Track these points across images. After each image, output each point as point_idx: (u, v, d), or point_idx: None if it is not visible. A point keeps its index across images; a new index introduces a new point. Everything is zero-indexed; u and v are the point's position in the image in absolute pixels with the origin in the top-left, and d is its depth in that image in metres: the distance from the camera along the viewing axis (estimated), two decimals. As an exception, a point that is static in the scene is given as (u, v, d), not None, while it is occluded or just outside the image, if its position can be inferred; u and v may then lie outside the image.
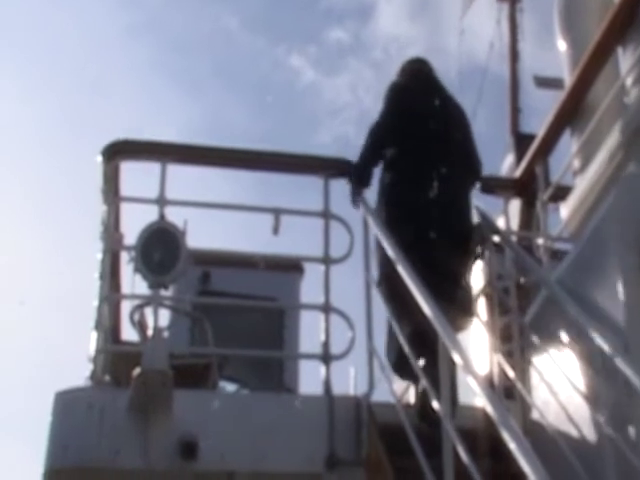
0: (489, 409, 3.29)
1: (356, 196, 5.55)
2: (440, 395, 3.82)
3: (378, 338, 5.25)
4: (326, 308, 5.06)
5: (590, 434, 4.41)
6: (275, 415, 4.74)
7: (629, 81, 5.53)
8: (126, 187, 5.40)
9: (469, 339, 6.55)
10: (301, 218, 5.48)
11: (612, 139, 5.39)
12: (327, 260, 5.17)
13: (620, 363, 4.11)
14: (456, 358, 3.67)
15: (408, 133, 5.71)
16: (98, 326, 4.93)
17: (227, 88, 33.22)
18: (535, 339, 5.26)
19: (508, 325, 5.60)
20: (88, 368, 4.91)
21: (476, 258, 5.72)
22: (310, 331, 5.89)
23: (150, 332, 4.70)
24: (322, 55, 32.11)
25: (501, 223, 6.24)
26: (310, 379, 6.15)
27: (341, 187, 5.61)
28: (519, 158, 9.56)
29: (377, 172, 5.75)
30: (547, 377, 5.07)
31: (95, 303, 5.03)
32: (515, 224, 7.38)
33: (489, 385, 4.32)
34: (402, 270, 4.56)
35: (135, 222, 5.04)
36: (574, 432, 4.66)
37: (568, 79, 6.28)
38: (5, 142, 25.81)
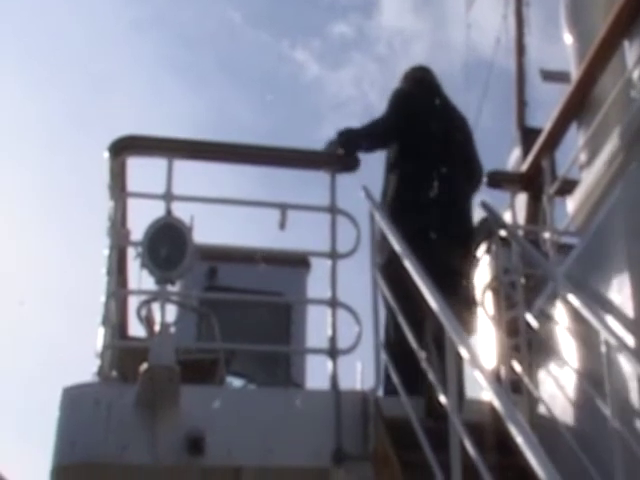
0: (496, 403, 3.29)
1: (331, 146, 5.65)
2: (447, 390, 3.82)
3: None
4: (333, 303, 5.06)
5: (597, 428, 4.40)
6: (282, 410, 4.75)
7: (636, 74, 5.52)
8: (133, 183, 5.42)
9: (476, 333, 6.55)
10: (308, 213, 5.48)
11: (619, 133, 5.38)
12: (334, 255, 5.17)
13: (628, 356, 4.11)
14: (463, 352, 3.67)
15: (410, 133, 5.76)
16: (105, 322, 4.93)
17: (232, 83, 33.23)
18: (542, 333, 5.26)
19: (515, 319, 5.60)
20: (95, 364, 4.92)
21: (476, 258, 5.77)
22: (317, 326, 5.89)
23: (157, 328, 4.71)
24: (326, 49, 32.09)
25: (508, 217, 6.24)
26: (317, 374, 6.17)
27: (348, 182, 5.62)
28: (525, 152, 9.55)
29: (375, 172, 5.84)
30: (554, 371, 5.07)
31: (102, 299, 5.03)
32: (522, 218, 7.37)
33: (496, 379, 4.33)
34: (408, 265, 4.56)
35: (142, 218, 5.05)
36: (581, 426, 4.66)
37: (574, 73, 6.26)
38: (10, 138, 25.83)
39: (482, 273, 6.92)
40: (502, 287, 5.72)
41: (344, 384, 4.97)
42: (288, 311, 8.07)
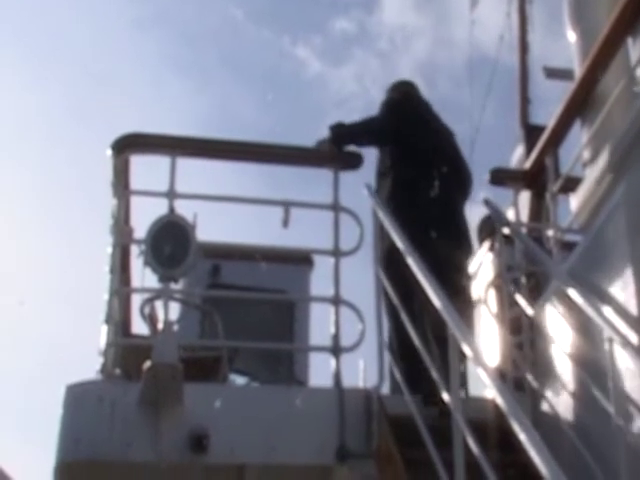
0: (499, 401, 3.29)
1: (323, 143, 5.77)
2: (450, 387, 3.83)
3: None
4: (336, 300, 5.06)
5: (601, 425, 4.40)
6: (285, 408, 4.75)
7: (639, 71, 5.51)
8: (136, 180, 5.41)
9: (479, 330, 6.55)
10: (311, 211, 5.48)
11: (622, 130, 5.37)
12: (337, 252, 5.17)
13: (632, 353, 4.11)
14: (466, 350, 3.67)
15: (406, 137, 5.82)
16: (108, 319, 4.94)
17: (234, 80, 33.20)
18: (545, 330, 5.25)
19: (518, 317, 5.60)
20: (98, 362, 4.92)
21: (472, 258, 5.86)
22: (320, 324, 5.88)
23: (160, 325, 4.71)
24: (327, 46, 32.02)
25: (511, 215, 6.24)
26: (320, 372, 6.15)
27: (351, 180, 5.63)
28: (529, 150, 9.53)
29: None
30: (557, 368, 5.07)
31: (105, 297, 5.04)
32: (525, 216, 7.37)
33: (499, 377, 4.32)
34: (411, 262, 4.57)
35: (145, 215, 5.06)
36: (584, 423, 4.66)
37: (578, 70, 6.26)
38: (12, 134, 25.86)
39: (485, 271, 6.92)
40: (505, 285, 5.72)
41: (347, 382, 4.98)
42: (291, 309, 8.06)
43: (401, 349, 5.28)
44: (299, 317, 7.99)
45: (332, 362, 4.98)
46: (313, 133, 6.10)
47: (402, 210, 5.50)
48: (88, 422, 4.59)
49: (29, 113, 26.66)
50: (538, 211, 6.81)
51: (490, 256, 6.91)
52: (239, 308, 7.12)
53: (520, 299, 5.52)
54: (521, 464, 3.39)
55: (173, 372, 4.39)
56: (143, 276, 5.07)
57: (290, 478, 4.81)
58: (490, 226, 6.09)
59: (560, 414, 4.87)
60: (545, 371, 5.27)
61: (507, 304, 5.65)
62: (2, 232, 28.92)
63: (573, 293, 4.63)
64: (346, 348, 4.99)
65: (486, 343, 6.29)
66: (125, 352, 5.05)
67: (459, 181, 5.95)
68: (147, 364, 4.39)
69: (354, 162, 5.58)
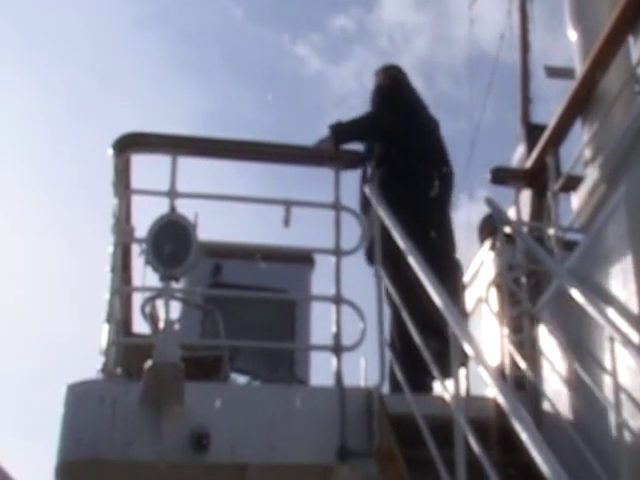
0: (500, 400, 3.28)
1: (323, 142, 5.82)
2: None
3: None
4: (337, 300, 5.06)
5: (602, 424, 4.40)
6: (286, 407, 4.75)
7: (640, 70, 5.52)
8: (137, 180, 5.42)
9: (480, 329, 6.55)
10: (312, 210, 5.48)
11: (623, 128, 5.37)
12: (338, 252, 5.16)
13: (633, 352, 4.11)
14: (467, 348, 3.67)
15: (399, 128, 5.82)
16: (109, 319, 4.94)
17: (235, 78, 33.26)
18: (546, 329, 5.25)
19: (519, 315, 5.60)
20: (99, 361, 4.92)
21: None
22: (321, 323, 5.89)
23: (161, 324, 4.70)
24: (327, 43, 32.09)
25: (512, 214, 6.23)
26: (321, 371, 6.16)
27: (352, 179, 5.64)
28: (530, 148, 9.53)
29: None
30: (558, 367, 5.07)
31: (106, 296, 5.04)
32: (526, 215, 7.37)
33: (500, 376, 4.32)
34: (412, 260, 4.57)
35: (146, 215, 5.06)
36: (586, 422, 4.66)
37: (579, 69, 6.26)
38: (14, 134, 25.88)
39: (486, 270, 6.92)
40: (506, 284, 5.72)
41: (348, 381, 4.98)
42: (292, 308, 8.05)
43: (403, 348, 5.28)
44: (300, 316, 7.98)
45: (333, 361, 4.97)
46: (313, 131, 6.11)
47: (403, 208, 5.51)
48: (89, 421, 4.60)
49: (31, 112, 26.72)
50: (539, 210, 6.81)
51: (491, 255, 6.90)
52: (240, 307, 7.12)
53: (521, 298, 5.52)
54: (522, 463, 3.38)
55: (174, 371, 4.39)
56: (144, 275, 5.07)
57: (291, 477, 4.81)
58: (491, 225, 6.09)
59: (561, 413, 4.86)
60: (546, 370, 5.27)
61: (508, 303, 5.66)
62: (4, 231, 28.98)
63: (574, 292, 4.63)
64: (347, 347, 4.99)
65: (487, 342, 6.28)
66: (126, 351, 5.05)
67: (445, 177, 5.98)
68: (148, 363, 4.39)
69: (355, 161, 5.58)
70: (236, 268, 7.75)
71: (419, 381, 4.90)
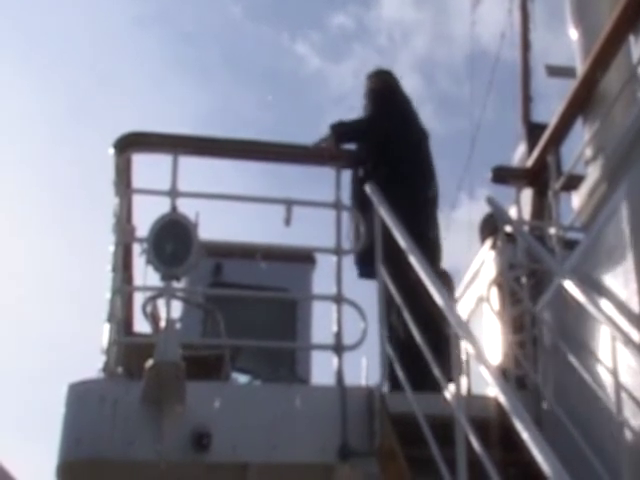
0: (501, 399, 3.29)
1: (324, 141, 5.83)
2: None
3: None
4: (338, 299, 5.06)
5: (603, 423, 4.40)
6: (288, 406, 4.75)
7: (641, 69, 5.51)
8: (138, 179, 5.42)
9: (481, 328, 6.55)
10: (313, 209, 5.49)
11: (624, 128, 5.37)
12: (339, 251, 5.17)
13: (634, 351, 4.10)
14: (468, 348, 3.67)
15: (394, 132, 5.84)
16: (111, 318, 4.94)
17: (235, 78, 33.27)
18: (547, 328, 5.25)
19: (520, 315, 5.60)
20: (100, 360, 4.92)
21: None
22: (322, 322, 5.89)
23: (162, 324, 4.70)
24: (326, 42, 32.07)
25: (513, 213, 6.23)
26: (322, 370, 6.16)
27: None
28: (531, 148, 9.52)
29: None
30: (559, 367, 5.07)
31: (107, 295, 5.04)
32: (527, 214, 7.36)
33: (501, 375, 4.32)
34: (413, 259, 4.57)
35: (147, 214, 5.06)
36: (587, 422, 4.66)
37: (580, 68, 6.25)
38: (14, 133, 25.88)
39: (487, 269, 6.92)
40: (507, 283, 5.72)
41: (349, 380, 4.98)
42: (293, 307, 8.05)
43: (404, 347, 5.27)
44: (301, 315, 7.97)
45: (334, 360, 4.98)
46: (313, 129, 6.11)
47: (401, 208, 5.51)
48: (90, 421, 4.60)
49: (31, 112, 26.72)
50: (540, 209, 6.81)
51: (492, 254, 6.90)
52: (241, 306, 7.11)
53: (522, 297, 5.51)
54: (523, 462, 3.38)
55: (175, 371, 4.39)
56: (145, 275, 5.07)
57: (292, 476, 4.81)
58: (492, 224, 6.08)
59: (562, 412, 4.86)
60: (547, 369, 5.27)
61: (509, 302, 5.65)
62: (4, 231, 28.99)
63: (575, 291, 4.62)
64: (348, 346, 4.99)
65: (488, 341, 6.28)
66: (127, 351, 5.05)
67: (431, 187, 6.01)
68: (149, 363, 4.39)
69: (356, 161, 5.58)
70: (237, 267, 7.75)
71: (420, 380, 4.89)
